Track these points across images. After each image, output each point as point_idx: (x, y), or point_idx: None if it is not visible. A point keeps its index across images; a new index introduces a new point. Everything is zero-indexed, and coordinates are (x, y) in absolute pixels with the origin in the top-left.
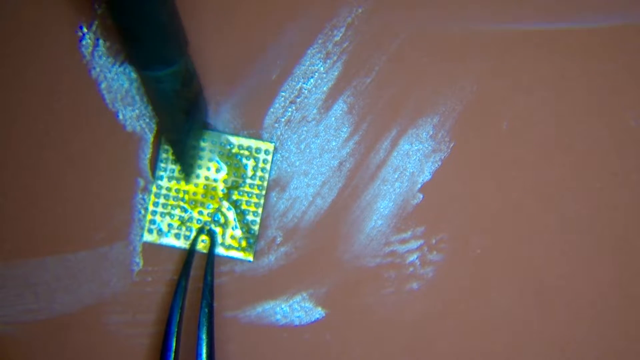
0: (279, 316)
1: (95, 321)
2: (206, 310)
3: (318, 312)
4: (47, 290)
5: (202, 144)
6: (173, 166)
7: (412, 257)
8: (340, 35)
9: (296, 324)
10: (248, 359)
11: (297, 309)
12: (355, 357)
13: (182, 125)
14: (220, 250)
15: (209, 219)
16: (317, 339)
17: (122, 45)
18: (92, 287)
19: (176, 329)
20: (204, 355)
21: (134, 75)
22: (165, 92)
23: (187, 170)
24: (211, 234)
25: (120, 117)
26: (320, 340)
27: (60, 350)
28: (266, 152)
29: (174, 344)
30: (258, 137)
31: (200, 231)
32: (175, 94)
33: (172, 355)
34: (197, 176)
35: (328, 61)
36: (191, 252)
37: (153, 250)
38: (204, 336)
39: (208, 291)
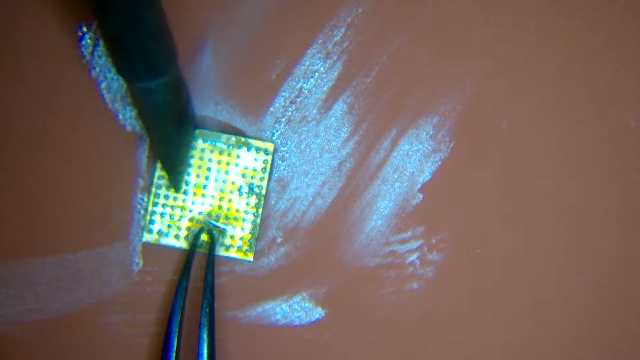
0: (278, 316)
1: (95, 321)
2: (207, 310)
3: (318, 312)
4: (47, 290)
5: (203, 145)
6: (163, 176)
7: (412, 257)
8: (340, 35)
9: (296, 324)
10: (248, 359)
11: (297, 309)
12: (355, 357)
13: (172, 136)
14: (220, 251)
15: (209, 219)
16: (317, 339)
17: (112, 57)
18: (92, 287)
19: (177, 329)
20: (205, 355)
21: (124, 86)
22: (156, 103)
23: (177, 181)
24: (211, 234)
25: (120, 117)
26: (320, 340)
27: (60, 350)
28: (266, 152)
29: (175, 344)
30: (258, 137)
31: (200, 231)
32: (166, 104)
33: (174, 355)
34: (193, 176)
35: (328, 61)
36: (191, 252)
37: (153, 250)
38: (205, 336)
39: (209, 291)
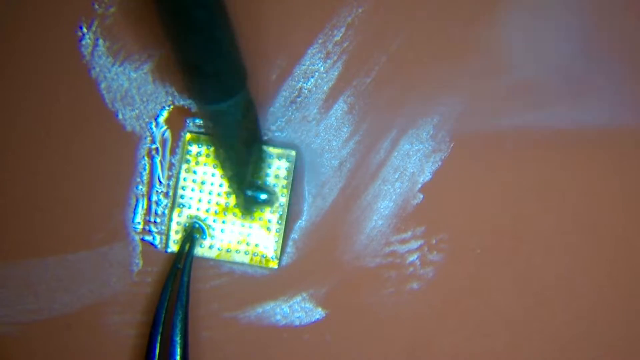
0: (279, 317)
1: (95, 321)
2: (180, 312)
3: (318, 313)
4: (47, 290)
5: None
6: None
7: (412, 257)
8: (340, 35)
9: (296, 325)
10: (248, 359)
11: (297, 310)
12: (355, 357)
13: (244, 157)
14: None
15: (198, 220)
16: (317, 339)
17: (186, 83)
18: (92, 287)
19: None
20: (178, 357)
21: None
22: (228, 124)
23: (248, 205)
24: (192, 236)
25: (120, 117)
26: (320, 340)
27: (60, 350)
28: (288, 158)
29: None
30: (279, 144)
31: (188, 236)
32: (237, 124)
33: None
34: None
35: (328, 61)
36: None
37: (153, 251)
38: (177, 339)
39: (184, 293)
